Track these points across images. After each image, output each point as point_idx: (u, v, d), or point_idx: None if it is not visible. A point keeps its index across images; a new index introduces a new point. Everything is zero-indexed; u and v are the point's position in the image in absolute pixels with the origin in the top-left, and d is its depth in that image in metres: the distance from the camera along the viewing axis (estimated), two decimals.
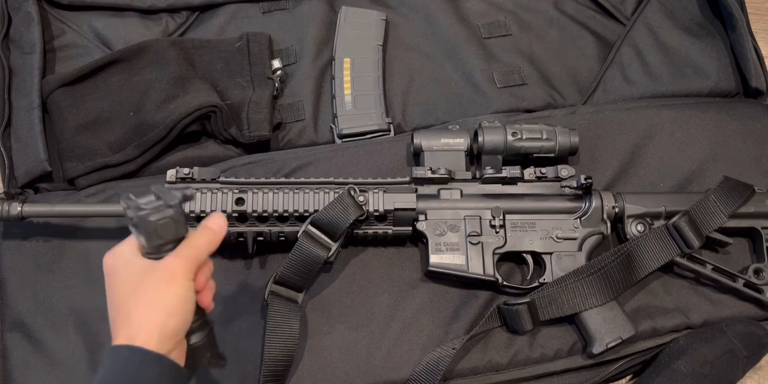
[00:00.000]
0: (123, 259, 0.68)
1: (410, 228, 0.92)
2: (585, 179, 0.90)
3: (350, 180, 0.92)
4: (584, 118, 1.02)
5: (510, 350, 0.90)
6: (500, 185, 0.94)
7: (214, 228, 0.72)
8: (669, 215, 0.93)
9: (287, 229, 0.89)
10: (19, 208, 0.88)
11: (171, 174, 0.89)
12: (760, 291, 0.93)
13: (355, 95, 1.06)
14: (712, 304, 0.93)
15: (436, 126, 1.06)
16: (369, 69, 1.08)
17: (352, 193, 0.88)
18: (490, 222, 0.92)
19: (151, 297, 0.65)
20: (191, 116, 0.98)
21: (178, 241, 0.68)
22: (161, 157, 1.02)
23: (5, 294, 0.92)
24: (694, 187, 0.99)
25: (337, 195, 0.88)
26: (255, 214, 0.87)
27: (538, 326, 0.89)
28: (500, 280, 0.90)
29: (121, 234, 0.94)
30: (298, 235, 0.86)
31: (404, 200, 0.90)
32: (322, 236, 0.87)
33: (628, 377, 0.95)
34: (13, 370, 0.88)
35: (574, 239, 0.92)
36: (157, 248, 0.67)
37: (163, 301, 0.65)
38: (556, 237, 0.92)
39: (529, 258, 0.93)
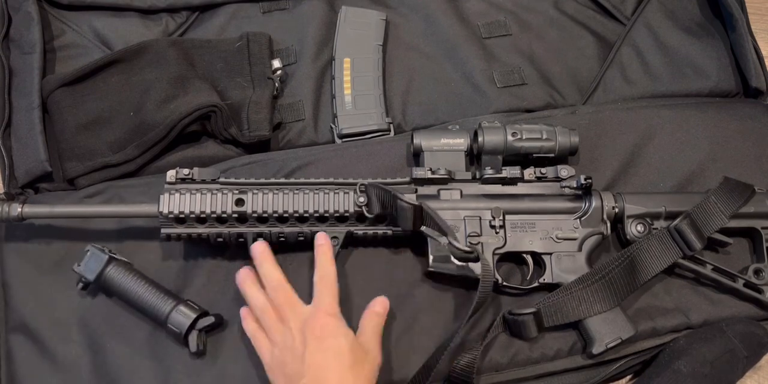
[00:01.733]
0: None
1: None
2: (585, 179, 0.90)
3: (350, 180, 0.91)
4: (584, 118, 1.02)
5: (510, 350, 0.89)
6: (500, 185, 0.94)
7: (380, 311, 0.86)
8: (669, 215, 0.92)
9: (287, 229, 0.89)
10: (19, 210, 0.88)
11: (171, 175, 0.89)
12: (760, 291, 0.92)
13: (355, 95, 1.06)
14: (712, 304, 0.93)
15: (436, 126, 1.06)
16: (369, 69, 1.08)
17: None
18: (489, 222, 0.91)
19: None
20: (191, 116, 0.98)
21: None
22: (161, 157, 1.02)
23: (9, 297, 0.92)
24: (694, 187, 0.99)
25: (337, 195, 0.88)
26: (255, 215, 0.87)
27: (542, 332, 0.89)
28: (500, 281, 0.90)
29: (120, 235, 0.95)
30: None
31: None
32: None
33: (628, 377, 0.95)
34: (17, 372, 0.88)
35: (574, 239, 0.92)
36: None
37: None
38: (556, 237, 0.92)
39: (529, 258, 0.92)
